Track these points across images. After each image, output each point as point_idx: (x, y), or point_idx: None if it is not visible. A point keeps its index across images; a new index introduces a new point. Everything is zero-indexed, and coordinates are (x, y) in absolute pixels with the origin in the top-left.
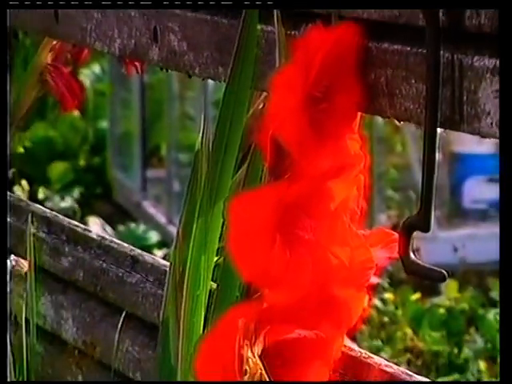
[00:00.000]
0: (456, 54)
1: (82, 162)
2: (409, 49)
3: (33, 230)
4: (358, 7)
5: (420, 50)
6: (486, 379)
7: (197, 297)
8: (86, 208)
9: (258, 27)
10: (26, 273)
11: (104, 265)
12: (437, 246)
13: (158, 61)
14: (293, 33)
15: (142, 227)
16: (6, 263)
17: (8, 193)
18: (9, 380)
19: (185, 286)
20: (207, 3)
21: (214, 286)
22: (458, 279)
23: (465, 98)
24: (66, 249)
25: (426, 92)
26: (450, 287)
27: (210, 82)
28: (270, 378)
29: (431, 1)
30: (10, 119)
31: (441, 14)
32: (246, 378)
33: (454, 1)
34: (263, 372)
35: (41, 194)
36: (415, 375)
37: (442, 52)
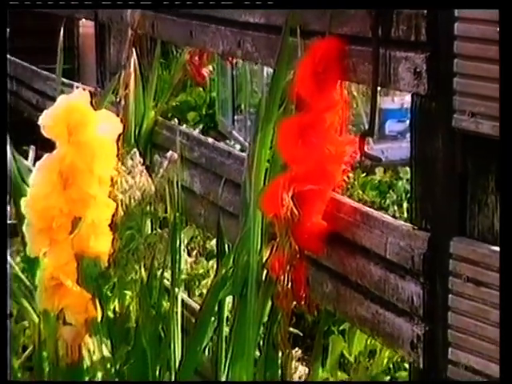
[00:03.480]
0: (387, 50)
1: (203, 112)
2: (364, 48)
3: (179, 138)
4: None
5: (369, 49)
6: (398, 215)
7: (260, 170)
8: (204, 134)
9: (290, 39)
10: (176, 159)
11: (215, 155)
12: (373, 152)
13: (240, 57)
14: (306, 41)
15: (232, 142)
16: (6, 263)
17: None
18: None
19: (254, 164)
20: (207, 3)
21: (268, 165)
22: (383, 167)
23: (391, 71)
24: (196, 147)
25: (372, 69)
26: (379, 171)
27: (265, 74)
28: (296, 208)
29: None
30: (170, 91)
31: (379, 30)
32: (284, 209)
33: (456, 3)
34: (292, 206)
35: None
36: (367, 208)
37: (380, 49)
